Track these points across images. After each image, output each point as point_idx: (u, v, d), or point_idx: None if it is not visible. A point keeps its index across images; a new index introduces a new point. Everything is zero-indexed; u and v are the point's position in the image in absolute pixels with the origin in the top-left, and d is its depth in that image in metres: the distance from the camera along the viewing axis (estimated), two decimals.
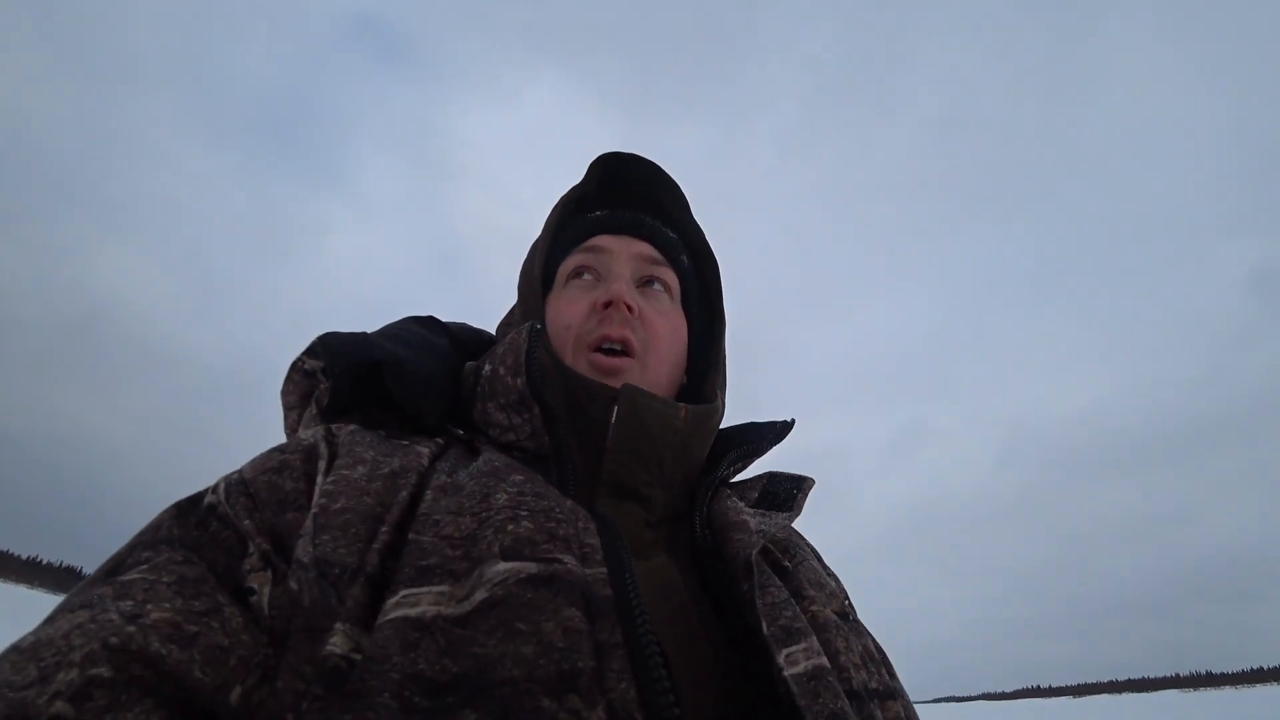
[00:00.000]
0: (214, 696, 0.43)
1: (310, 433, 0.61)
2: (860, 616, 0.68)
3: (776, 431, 0.76)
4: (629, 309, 0.71)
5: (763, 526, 0.62)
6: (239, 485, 0.54)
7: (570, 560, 0.48)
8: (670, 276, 0.79)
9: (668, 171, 0.83)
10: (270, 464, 0.56)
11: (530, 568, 0.46)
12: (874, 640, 0.66)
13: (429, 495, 0.53)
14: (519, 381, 0.64)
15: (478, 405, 0.69)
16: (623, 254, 0.77)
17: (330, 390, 0.66)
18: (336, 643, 0.44)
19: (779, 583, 0.58)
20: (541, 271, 0.78)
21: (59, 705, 0.43)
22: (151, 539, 0.50)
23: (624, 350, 0.71)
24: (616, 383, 0.67)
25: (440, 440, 0.64)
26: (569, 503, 0.55)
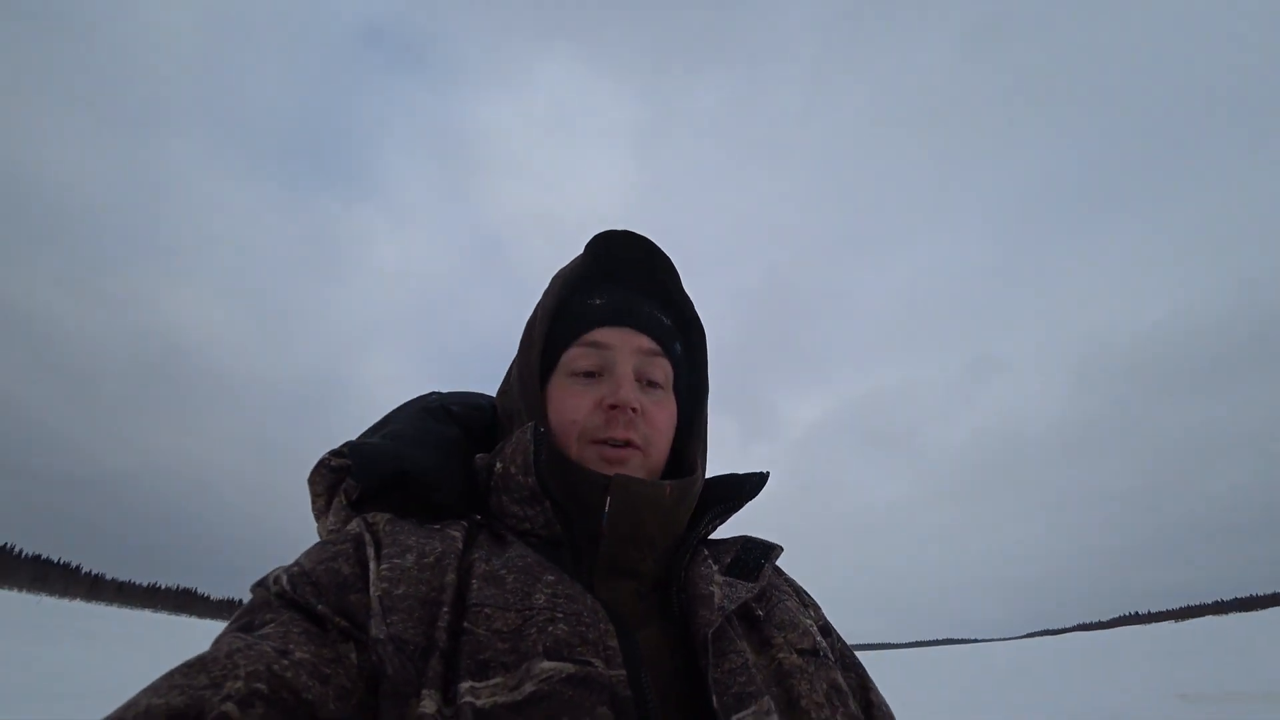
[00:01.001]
0: None
1: (353, 524, 0.71)
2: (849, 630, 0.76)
3: (753, 484, 0.81)
4: (634, 410, 0.78)
5: (724, 602, 0.71)
6: (302, 576, 0.63)
7: (599, 664, 0.61)
8: (666, 367, 0.81)
9: (660, 247, 0.83)
10: (325, 555, 0.66)
11: (569, 668, 0.60)
12: (845, 660, 0.74)
13: (475, 585, 0.64)
14: (530, 480, 0.73)
15: (493, 498, 0.76)
16: (624, 349, 0.80)
17: (359, 490, 0.76)
18: (426, 705, 0.59)
19: (740, 646, 0.69)
20: (540, 359, 0.80)
21: (228, 706, 0.58)
22: (267, 606, 0.61)
23: (628, 444, 0.78)
24: (618, 470, 0.75)
25: (464, 524, 0.73)
26: (589, 599, 0.66)
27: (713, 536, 0.82)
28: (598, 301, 0.82)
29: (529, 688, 0.59)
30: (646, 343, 0.81)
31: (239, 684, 0.58)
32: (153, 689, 0.61)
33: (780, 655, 0.69)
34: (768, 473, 0.83)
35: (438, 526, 0.71)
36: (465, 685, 0.60)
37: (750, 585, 0.74)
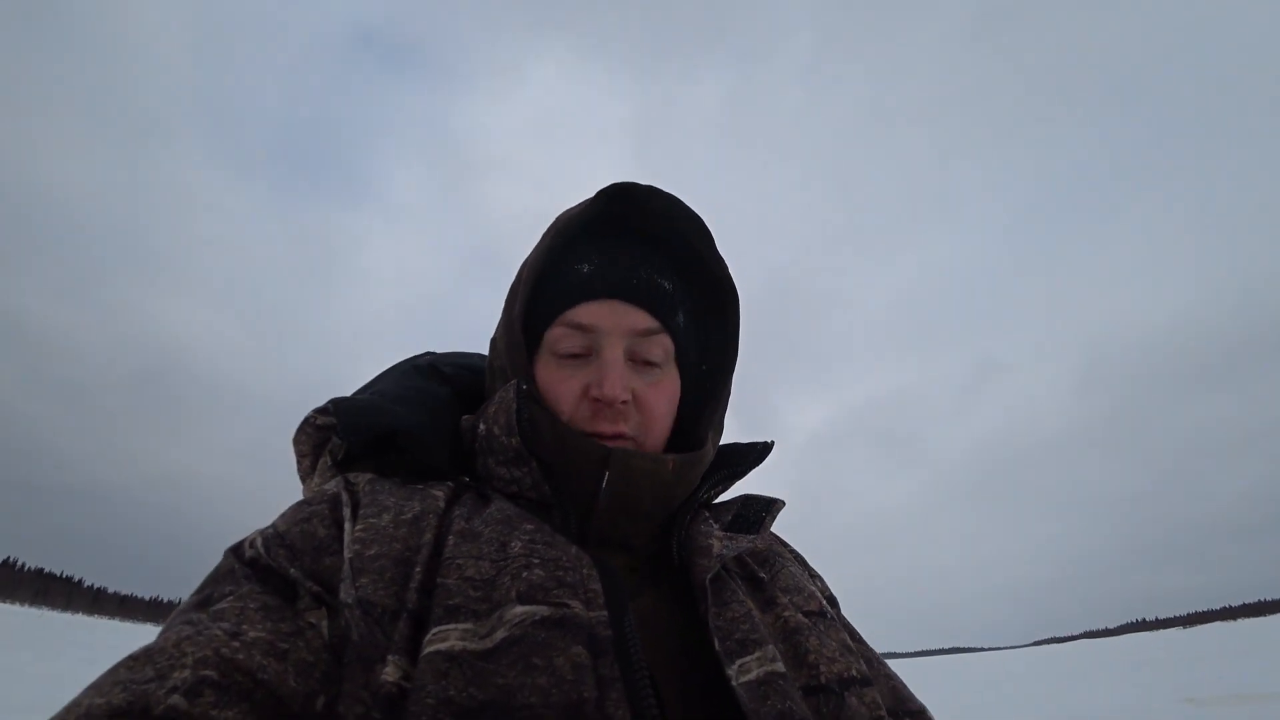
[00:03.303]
0: (304, 704, 0.54)
1: (332, 483, 0.67)
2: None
3: (757, 453, 0.79)
4: (623, 402, 0.72)
5: (724, 550, 0.66)
6: (276, 539, 0.59)
7: (577, 605, 0.56)
8: (665, 342, 0.75)
9: (687, 204, 0.77)
10: (300, 516, 0.62)
11: (543, 611, 0.56)
12: (851, 632, 0.72)
13: (451, 540, 0.59)
14: (514, 441, 0.68)
15: (479, 460, 0.74)
16: (614, 331, 0.72)
17: (345, 449, 0.73)
18: (389, 672, 0.54)
19: (742, 597, 0.64)
20: (522, 323, 0.74)
21: (175, 699, 0.54)
22: (230, 577, 0.57)
23: (618, 437, 0.72)
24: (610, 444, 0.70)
25: (451, 484, 0.69)
26: (574, 549, 0.60)
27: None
28: (586, 268, 0.74)
29: (500, 634, 0.55)
30: (641, 320, 0.73)
31: (186, 673, 0.54)
32: (95, 687, 0.57)
33: (786, 614, 0.65)
34: (772, 442, 0.81)
35: (421, 487, 0.67)
36: (429, 635, 0.55)
37: (751, 536, 0.70)
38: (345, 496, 0.64)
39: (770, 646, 0.58)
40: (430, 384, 0.83)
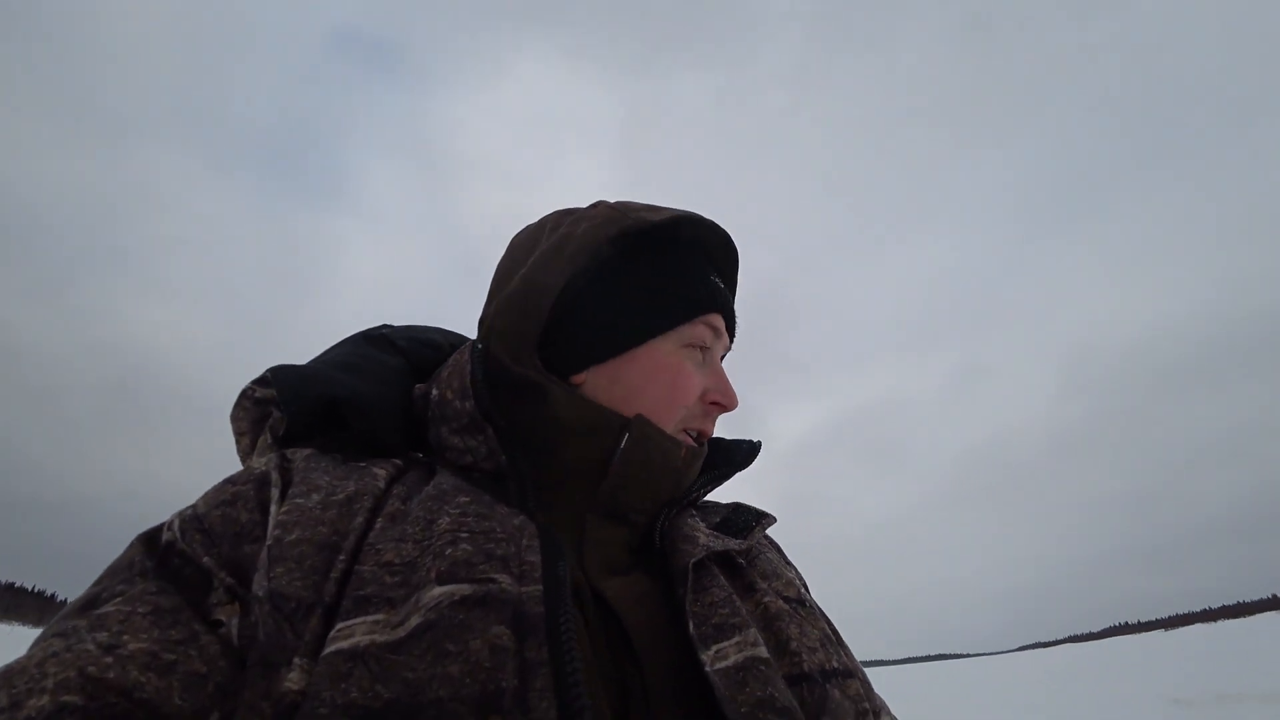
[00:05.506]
0: None
1: (263, 460, 0.61)
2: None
3: (744, 454, 0.79)
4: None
5: (710, 542, 0.65)
6: (193, 521, 0.54)
7: (505, 579, 0.50)
8: None
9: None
10: (223, 497, 0.56)
11: (464, 589, 0.48)
12: (830, 624, 0.71)
13: (379, 523, 0.54)
14: (467, 405, 0.65)
15: (432, 430, 0.70)
16: (722, 347, 0.78)
17: (286, 423, 0.66)
18: (293, 678, 0.45)
19: (723, 582, 0.62)
20: (664, 293, 0.73)
21: None
22: (126, 572, 0.51)
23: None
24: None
25: (399, 461, 0.65)
26: (517, 520, 0.56)
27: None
28: (720, 285, 0.78)
29: (414, 621, 0.47)
30: (729, 346, 0.80)
31: (44, 699, 0.45)
32: None
33: (766, 600, 0.64)
34: (759, 442, 0.80)
35: (364, 464, 0.62)
36: (335, 629, 0.47)
37: (738, 541, 0.69)
38: (276, 476, 0.58)
39: (752, 631, 0.56)
40: (382, 354, 0.78)
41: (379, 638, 0.46)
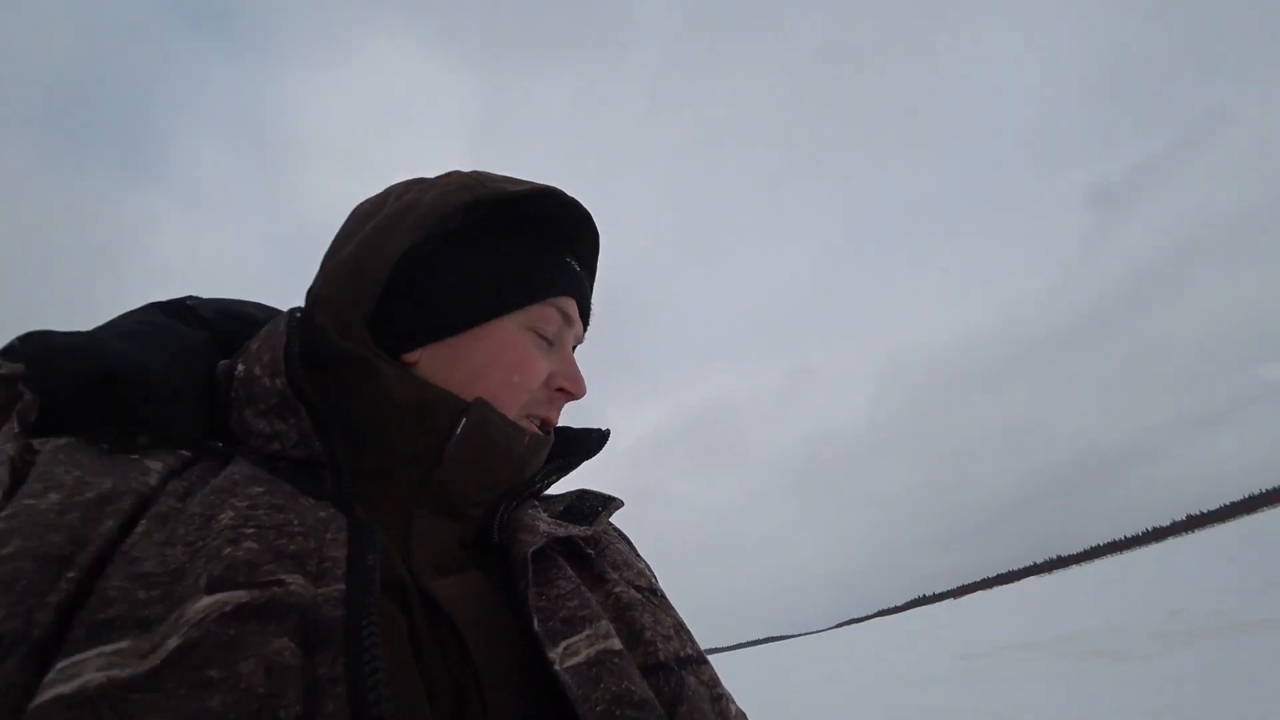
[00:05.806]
0: None
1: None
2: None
3: (593, 442, 0.74)
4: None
5: (552, 529, 0.61)
6: None
7: (295, 580, 0.41)
8: None
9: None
10: None
11: (240, 597, 0.39)
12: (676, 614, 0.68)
13: (141, 525, 0.43)
14: (279, 382, 0.54)
15: (234, 413, 0.57)
16: (573, 334, 0.72)
17: (40, 406, 0.50)
18: None
19: (570, 574, 0.58)
20: (507, 274, 0.65)
21: None
22: None
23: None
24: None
25: (187, 453, 0.53)
26: (326, 511, 0.48)
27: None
28: (577, 268, 0.71)
29: (171, 643, 0.36)
30: (580, 335, 0.74)
31: None
32: None
33: (618, 590, 0.60)
34: (609, 430, 0.76)
35: (135, 456, 0.49)
36: (56, 670, 0.34)
37: (583, 528, 0.65)
38: (5, 472, 0.44)
39: (604, 623, 0.52)
40: (178, 324, 0.63)
41: (119, 673, 0.35)
